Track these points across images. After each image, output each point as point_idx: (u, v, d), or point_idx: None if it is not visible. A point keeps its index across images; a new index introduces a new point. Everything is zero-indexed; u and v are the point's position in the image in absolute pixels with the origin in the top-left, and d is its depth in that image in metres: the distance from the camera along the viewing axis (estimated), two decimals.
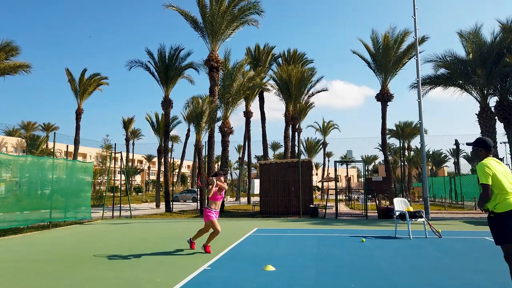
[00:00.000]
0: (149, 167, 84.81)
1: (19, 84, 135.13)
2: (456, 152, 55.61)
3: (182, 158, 52.71)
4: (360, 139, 30.13)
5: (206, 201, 18.86)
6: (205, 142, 19.05)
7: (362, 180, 30.94)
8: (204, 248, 7.60)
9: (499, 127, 16.27)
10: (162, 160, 25.26)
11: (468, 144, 4.46)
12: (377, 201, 20.36)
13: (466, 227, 12.29)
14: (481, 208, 4.20)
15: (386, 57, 21.38)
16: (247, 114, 32.30)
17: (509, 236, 3.91)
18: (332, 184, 33.93)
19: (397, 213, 10.14)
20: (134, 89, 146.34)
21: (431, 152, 67.64)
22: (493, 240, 4.22)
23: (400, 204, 10.76)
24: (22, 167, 12.63)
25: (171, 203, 21.60)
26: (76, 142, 29.37)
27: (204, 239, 7.85)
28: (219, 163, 25.92)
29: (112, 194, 20.32)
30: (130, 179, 60.54)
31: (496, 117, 16.01)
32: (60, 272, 6.02)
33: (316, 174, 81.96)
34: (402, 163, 27.02)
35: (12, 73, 20.07)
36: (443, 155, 72.31)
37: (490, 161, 4.13)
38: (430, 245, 8.34)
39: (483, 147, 4.25)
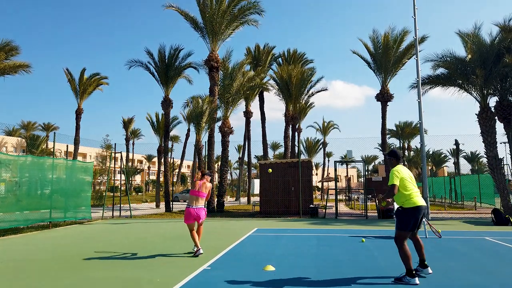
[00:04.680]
0: (149, 167, 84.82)
1: (19, 84, 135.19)
2: (456, 152, 55.58)
3: (182, 158, 52.71)
4: (360, 139, 30.19)
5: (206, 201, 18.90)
6: (205, 142, 19.06)
7: (362, 180, 30.92)
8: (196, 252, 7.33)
9: (499, 127, 16.27)
10: (162, 160, 25.25)
11: (384, 154, 6.17)
12: (377, 201, 20.35)
13: (466, 227, 12.29)
14: (383, 200, 5.61)
15: (385, 57, 21.38)
16: (247, 114, 32.30)
17: (407, 226, 5.21)
18: (332, 184, 33.97)
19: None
20: (134, 89, 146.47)
21: (431, 152, 67.67)
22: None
23: None
24: (22, 167, 12.63)
25: (171, 203, 21.60)
26: (76, 142, 29.34)
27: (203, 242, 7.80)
28: (219, 163, 25.94)
29: (112, 194, 20.32)
30: (130, 179, 60.54)
31: (496, 117, 16.00)
32: (60, 272, 6.02)
33: (316, 174, 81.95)
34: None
35: (12, 73, 20.07)
36: (443, 155, 72.38)
37: (399, 168, 5.41)
38: (430, 245, 8.33)
39: (394, 157, 5.60)
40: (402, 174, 5.29)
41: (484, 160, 29.33)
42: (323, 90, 31.21)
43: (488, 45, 15.79)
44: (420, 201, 5.24)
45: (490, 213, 14.42)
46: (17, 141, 61.77)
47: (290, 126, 28.06)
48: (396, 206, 10.66)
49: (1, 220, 10.71)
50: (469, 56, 15.95)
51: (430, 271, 5.55)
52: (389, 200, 5.59)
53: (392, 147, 53.25)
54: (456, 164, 56.36)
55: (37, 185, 12.96)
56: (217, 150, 22.43)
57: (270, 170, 11.28)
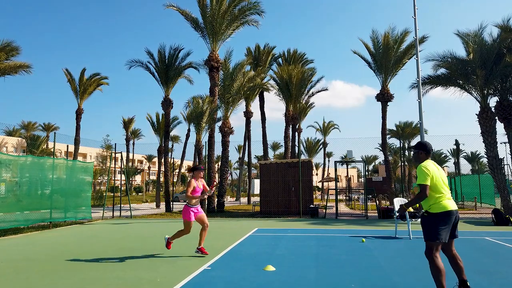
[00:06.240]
0: (149, 167, 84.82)
1: (20, 84, 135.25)
2: (456, 152, 55.59)
3: (182, 158, 52.73)
4: (361, 139, 30.09)
5: (206, 201, 18.97)
6: (205, 142, 19.05)
7: (362, 180, 30.90)
8: (200, 251, 7.26)
9: (500, 127, 16.25)
10: (162, 160, 25.26)
11: (410, 147, 4.91)
12: (377, 201, 20.37)
13: (466, 227, 12.28)
14: (411, 205, 4.56)
15: (386, 57, 21.35)
16: (247, 114, 32.30)
17: (436, 236, 4.21)
18: (332, 184, 33.93)
19: (397, 213, 10.13)
20: (134, 89, 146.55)
21: None
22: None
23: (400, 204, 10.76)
24: (22, 167, 12.63)
25: (171, 203, 21.60)
26: (76, 142, 29.35)
27: (195, 242, 7.35)
28: (219, 163, 25.94)
29: (112, 194, 20.32)
30: (130, 179, 60.54)
31: (496, 117, 15.98)
32: (60, 272, 6.02)
33: (316, 174, 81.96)
34: (402, 163, 27.03)
35: (12, 73, 20.05)
36: (443, 155, 72.28)
37: (429, 163, 4.44)
38: None
39: (424, 150, 4.57)
40: (432, 171, 4.34)
41: (485, 160, 29.30)
42: (323, 90, 31.25)
43: (488, 45, 15.78)
44: (452, 205, 4.31)
45: (490, 213, 14.41)
46: (17, 141, 61.80)
47: (290, 126, 28.05)
48: (396, 206, 10.67)
49: (1, 220, 10.71)
50: (471, 55, 15.94)
51: None
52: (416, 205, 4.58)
53: (392, 147, 53.21)
54: (457, 164, 56.40)
55: (37, 185, 12.97)
56: (217, 150, 22.44)
57: None
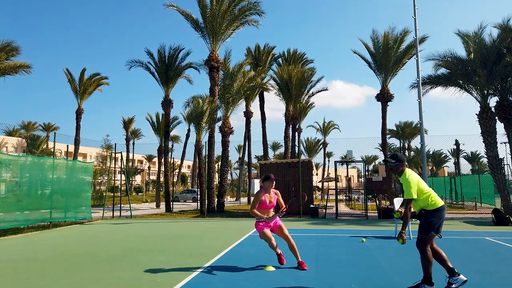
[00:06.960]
0: (149, 167, 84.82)
1: (20, 84, 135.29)
2: (456, 152, 55.58)
3: (182, 158, 52.73)
4: (361, 139, 30.09)
5: (206, 201, 18.97)
6: (205, 142, 19.04)
7: (362, 180, 30.92)
8: (299, 266, 6.11)
9: (500, 127, 16.24)
10: (162, 160, 25.26)
11: (385, 160, 5.05)
12: (377, 201, 20.36)
13: (466, 227, 12.28)
14: (407, 222, 4.74)
15: (386, 57, 21.34)
16: (247, 114, 32.29)
17: (433, 229, 4.63)
18: (332, 184, 33.93)
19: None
20: (134, 89, 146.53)
21: (431, 152, 67.64)
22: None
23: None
24: (22, 167, 12.64)
25: (171, 203, 21.60)
26: (76, 142, 29.35)
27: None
28: (219, 163, 25.95)
29: (112, 194, 20.32)
30: (130, 179, 60.54)
31: (497, 117, 15.97)
32: (60, 272, 6.02)
33: (316, 174, 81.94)
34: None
35: (12, 73, 20.05)
36: (443, 155, 72.30)
37: (411, 172, 4.81)
38: None
39: (403, 161, 4.89)
40: (416, 179, 4.74)
41: (485, 160, 29.30)
42: (323, 90, 31.23)
43: (489, 45, 15.76)
44: (441, 201, 4.78)
45: (490, 213, 14.41)
46: (17, 141, 61.82)
47: (290, 126, 28.04)
48: (396, 206, 10.68)
49: (1, 220, 10.71)
50: (471, 55, 15.92)
51: (465, 278, 4.71)
52: (401, 210, 4.97)
53: (392, 147, 53.25)
54: (457, 164, 56.38)
55: (38, 185, 12.97)
56: (217, 150, 22.45)
57: None
